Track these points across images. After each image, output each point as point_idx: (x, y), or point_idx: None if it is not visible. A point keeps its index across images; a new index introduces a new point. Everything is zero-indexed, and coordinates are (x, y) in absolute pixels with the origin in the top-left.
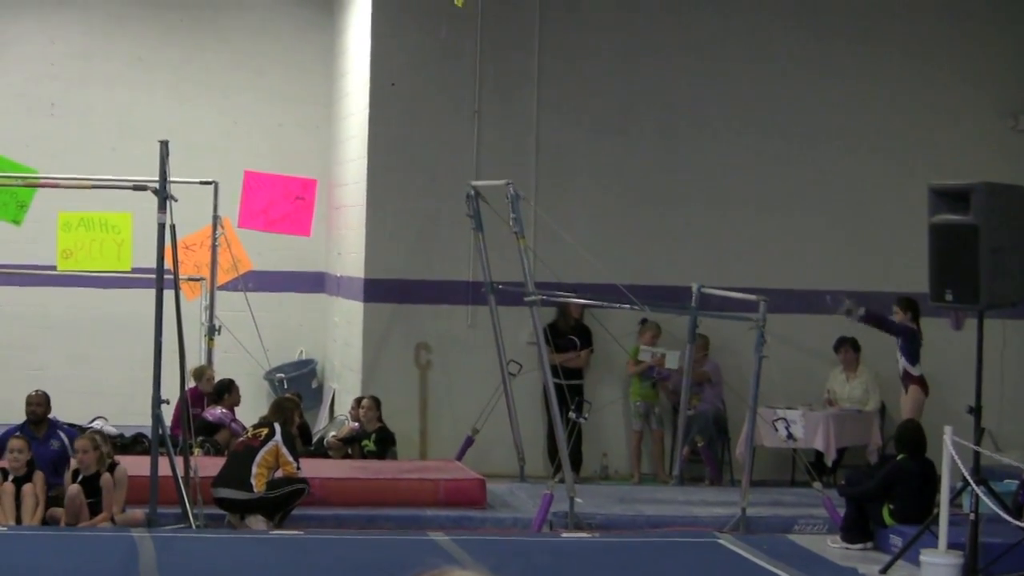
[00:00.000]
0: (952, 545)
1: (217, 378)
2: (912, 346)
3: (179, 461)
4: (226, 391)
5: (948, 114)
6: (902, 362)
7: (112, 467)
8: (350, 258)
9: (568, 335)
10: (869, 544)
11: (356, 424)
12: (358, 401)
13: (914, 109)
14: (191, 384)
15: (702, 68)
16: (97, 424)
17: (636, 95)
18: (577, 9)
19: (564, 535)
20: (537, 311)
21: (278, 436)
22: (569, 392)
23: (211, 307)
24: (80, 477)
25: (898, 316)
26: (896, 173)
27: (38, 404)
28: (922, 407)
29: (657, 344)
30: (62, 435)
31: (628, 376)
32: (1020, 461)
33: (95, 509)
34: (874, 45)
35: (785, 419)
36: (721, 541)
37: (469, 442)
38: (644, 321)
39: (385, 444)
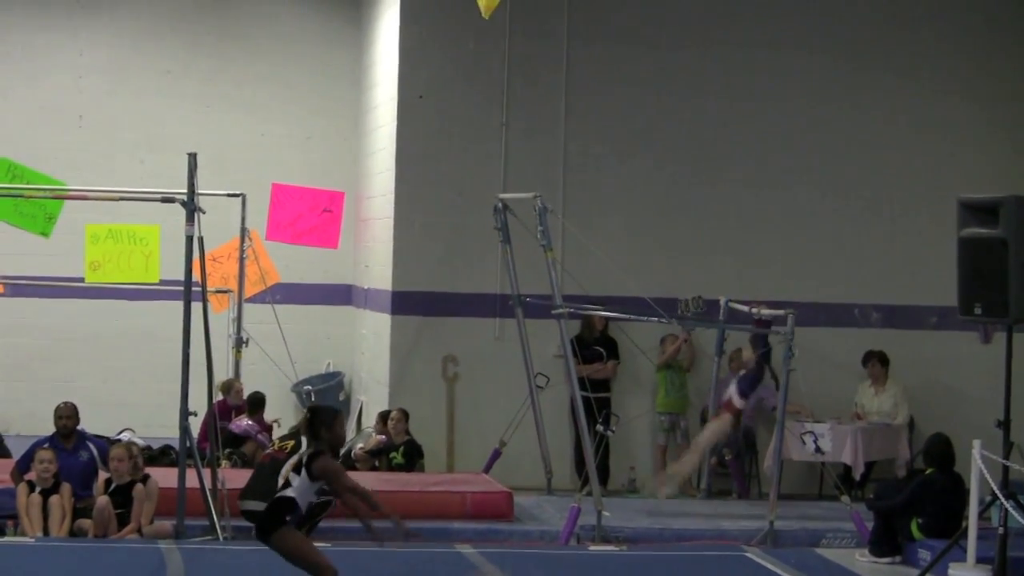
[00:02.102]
0: (981, 559)
1: (246, 391)
2: (751, 384)
3: (207, 473)
4: (258, 408)
5: (976, 128)
6: (731, 391)
7: (144, 479)
8: (377, 270)
9: (593, 346)
10: (897, 558)
11: (383, 436)
12: (383, 416)
13: (942, 123)
14: (219, 397)
15: (729, 84)
16: (125, 436)
17: (664, 109)
18: (605, 22)
19: (591, 548)
20: (564, 324)
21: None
22: (596, 405)
23: (239, 319)
24: (112, 486)
25: (746, 354)
26: (925, 186)
27: (68, 417)
28: (723, 435)
29: (681, 355)
30: (91, 447)
31: (655, 384)
32: None
33: (125, 519)
34: (901, 64)
35: (813, 432)
36: (749, 555)
37: (496, 455)
38: (663, 340)
39: (413, 457)
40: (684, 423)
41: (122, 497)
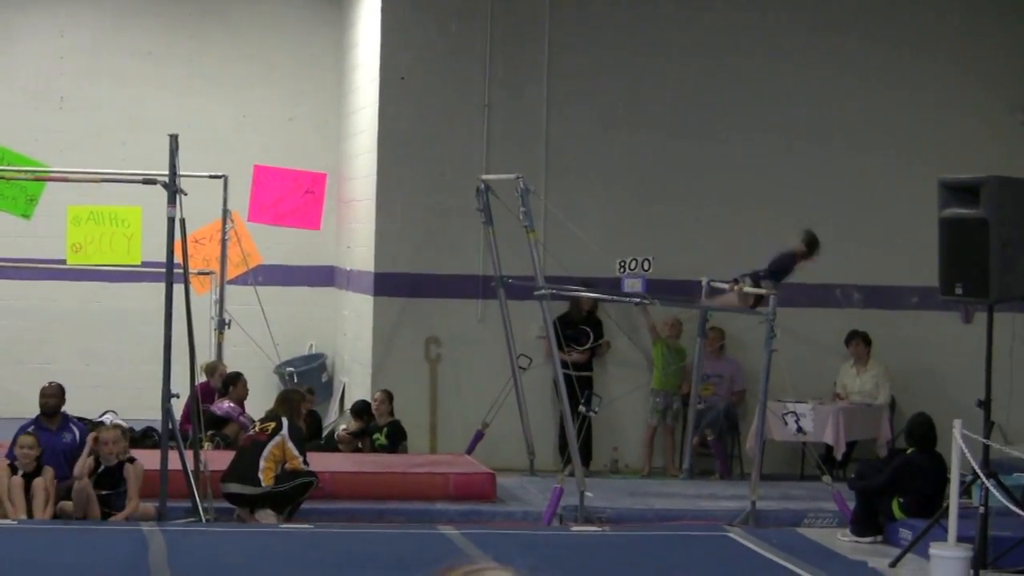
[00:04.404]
0: (961, 538)
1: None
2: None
3: (189, 455)
4: (232, 384)
5: (957, 109)
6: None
7: (131, 460)
8: (360, 252)
9: (580, 325)
10: (879, 537)
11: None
12: (358, 411)
13: (924, 104)
14: (202, 379)
15: (712, 62)
16: (107, 418)
17: (646, 88)
18: (588, 3)
19: (574, 529)
20: (547, 305)
21: (285, 430)
22: (579, 385)
23: (221, 301)
24: (102, 468)
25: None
26: (906, 167)
27: (53, 395)
28: None
29: (678, 337)
30: (75, 428)
31: (644, 363)
32: None
33: (108, 501)
34: (884, 42)
35: (795, 413)
36: (731, 535)
37: (479, 436)
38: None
39: (396, 438)
40: (676, 404)
41: (110, 479)
